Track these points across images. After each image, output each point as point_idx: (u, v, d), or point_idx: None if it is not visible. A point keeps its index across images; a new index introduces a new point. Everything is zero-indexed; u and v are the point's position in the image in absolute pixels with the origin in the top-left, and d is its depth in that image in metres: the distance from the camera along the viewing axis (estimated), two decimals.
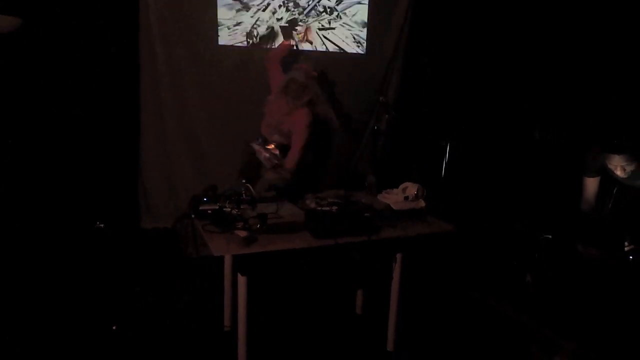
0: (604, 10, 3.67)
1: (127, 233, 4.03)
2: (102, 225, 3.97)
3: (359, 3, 4.51)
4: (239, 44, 4.22)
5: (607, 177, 2.82)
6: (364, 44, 4.60)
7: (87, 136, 3.92)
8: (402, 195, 2.74)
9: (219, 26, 4.12)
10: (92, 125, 3.92)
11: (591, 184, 2.89)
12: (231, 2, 4.11)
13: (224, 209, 2.50)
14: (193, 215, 2.55)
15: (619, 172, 2.67)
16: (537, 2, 4.11)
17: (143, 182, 4.17)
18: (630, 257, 2.29)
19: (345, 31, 4.53)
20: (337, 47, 4.53)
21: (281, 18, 4.32)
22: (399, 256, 2.68)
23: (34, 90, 3.74)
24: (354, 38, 4.57)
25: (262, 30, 4.27)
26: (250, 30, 4.23)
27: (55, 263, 3.53)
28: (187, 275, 3.48)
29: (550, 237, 2.60)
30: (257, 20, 4.23)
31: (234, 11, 4.14)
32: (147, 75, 4.02)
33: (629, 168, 2.63)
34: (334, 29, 4.49)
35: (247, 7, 4.18)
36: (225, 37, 4.16)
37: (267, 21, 4.28)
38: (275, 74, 3.66)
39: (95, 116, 3.92)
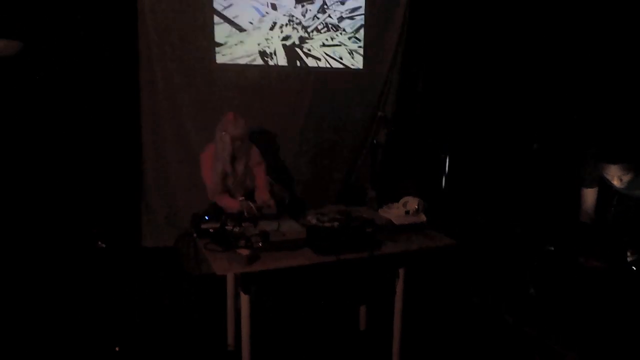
0: (598, 25, 3.71)
1: (129, 252, 4.03)
2: (103, 244, 3.98)
3: (351, 18, 4.56)
4: (237, 62, 4.26)
5: (604, 188, 2.83)
6: (362, 59, 4.65)
7: (89, 157, 3.95)
8: (403, 210, 2.75)
9: (218, 46, 4.17)
10: (94, 146, 3.95)
11: (589, 195, 2.90)
12: (230, 21, 4.18)
13: (226, 227, 2.50)
14: (195, 234, 2.56)
15: (616, 182, 2.68)
16: (531, 16, 4.16)
17: (145, 201, 4.19)
18: (634, 268, 2.30)
19: (344, 47, 4.59)
20: (337, 63, 4.58)
21: (288, 36, 4.36)
22: (401, 271, 2.67)
23: (38, 111, 3.77)
24: (352, 53, 4.63)
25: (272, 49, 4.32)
26: (263, 50, 4.28)
27: (57, 283, 3.51)
28: (189, 293, 3.46)
29: (552, 248, 2.60)
30: (267, 40, 4.27)
31: (233, 30, 4.20)
32: (147, 96, 4.07)
33: (626, 178, 2.64)
34: (337, 45, 4.53)
35: (251, 27, 4.24)
36: (223, 57, 4.21)
37: (271, 39, 4.33)
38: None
39: (98, 137, 3.96)
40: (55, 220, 3.87)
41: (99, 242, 3.99)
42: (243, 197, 2.92)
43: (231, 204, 2.92)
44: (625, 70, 3.57)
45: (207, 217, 2.73)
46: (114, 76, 3.94)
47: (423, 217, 2.73)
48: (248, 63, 4.30)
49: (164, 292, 3.52)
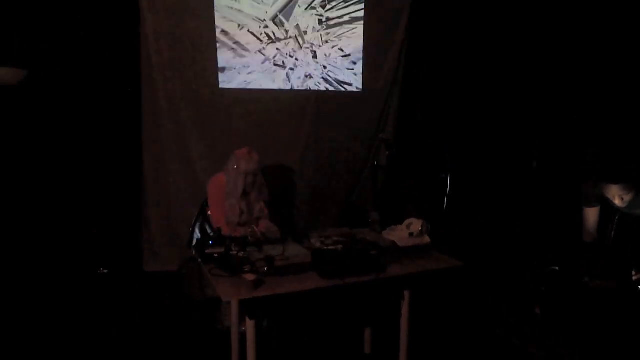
0: (595, 37, 3.77)
1: (131, 277, 4.00)
2: (105, 270, 3.96)
3: (350, 39, 4.64)
4: (239, 87, 4.32)
5: (606, 207, 2.85)
6: (361, 81, 4.71)
7: (91, 181, 3.96)
8: (406, 232, 2.74)
9: (221, 71, 4.23)
10: (95, 170, 3.97)
11: (591, 215, 2.91)
12: (233, 47, 4.24)
13: (230, 252, 2.50)
14: (199, 259, 2.55)
15: (617, 202, 2.70)
16: (528, 32, 4.24)
17: (147, 225, 4.18)
18: (639, 287, 2.30)
19: (344, 69, 4.65)
20: (337, 85, 4.64)
21: (287, 59, 4.43)
22: (406, 293, 2.66)
23: (42, 134, 3.79)
24: (352, 75, 4.69)
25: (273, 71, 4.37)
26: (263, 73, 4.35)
27: (58, 311, 3.48)
28: (193, 318, 3.43)
29: (557, 268, 2.60)
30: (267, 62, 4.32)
31: (235, 55, 4.27)
32: (149, 122, 4.10)
33: (627, 197, 2.66)
34: (337, 67, 4.59)
35: (252, 52, 4.31)
36: (226, 81, 4.26)
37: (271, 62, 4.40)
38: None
39: (99, 161, 3.98)
40: (56, 246, 3.86)
41: (101, 269, 3.98)
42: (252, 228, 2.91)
43: (237, 233, 2.92)
44: (623, 89, 3.62)
45: (211, 242, 2.74)
46: (117, 98, 3.99)
47: (427, 239, 2.73)
48: (249, 88, 4.35)
49: (167, 317, 3.48)
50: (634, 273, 2.38)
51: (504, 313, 3.29)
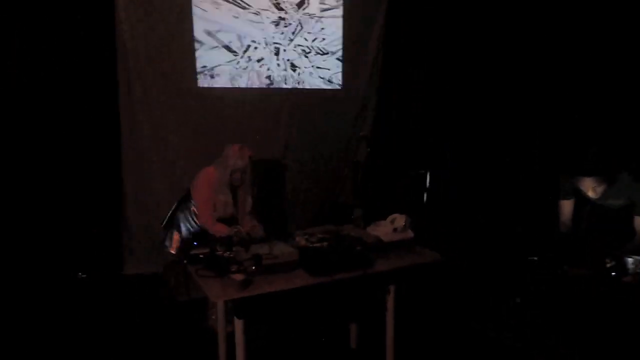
0: (570, 42, 3.89)
1: (111, 281, 3.93)
2: (84, 275, 3.88)
3: (328, 38, 4.66)
4: (217, 86, 4.29)
5: (580, 199, 2.96)
6: (341, 80, 4.74)
7: (67, 183, 3.86)
8: (390, 227, 2.79)
9: (199, 71, 4.18)
10: (72, 171, 3.87)
11: (566, 206, 3.03)
12: (212, 45, 4.21)
13: (216, 253, 2.49)
14: (185, 261, 2.53)
15: (590, 194, 2.81)
16: (501, 36, 4.34)
17: (126, 227, 4.11)
18: (613, 274, 2.40)
19: (322, 68, 4.67)
20: (316, 83, 4.66)
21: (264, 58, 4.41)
22: (392, 288, 2.71)
23: (14, 134, 3.68)
24: (330, 74, 4.71)
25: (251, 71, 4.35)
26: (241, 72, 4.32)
27: (36, 319, 3.38)
28: (177, 320, 3.40)
29: (535, 259, 2.69)
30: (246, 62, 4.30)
31: (214, 54, 4.23)
32: (127, 119, 4.03)
33: (600, 189, 2.78)
34: (316, 66, 4.60)
35: (232, 50, 4.28)
36: (204, 80, 4.22)
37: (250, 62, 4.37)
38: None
39: (76, 163, 3.88)
40: (31, 251, 3.76)
41: (79, 273, 3.89)
42: (237, 228, 2.91)
43: (222, 230, 2.91)
44: (598, 83, 3.74)
45: (195, 243, 2.72)
46: (94, 98, 3.89)
47: (411, 234, 2.78)
48: (228, 86, 4.32)
49: (150, 319, 3.44)
50: (607, 261, 2.48)
51: (486, 304, 3.38)
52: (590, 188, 2.79)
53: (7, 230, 3.65)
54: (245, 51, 4.36)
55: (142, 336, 3.23)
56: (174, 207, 3.24)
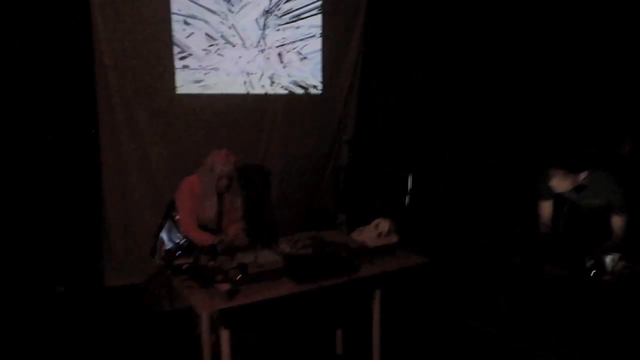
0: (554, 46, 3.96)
1: (91, 293, 3.84)
2: (62, 288, 3.78)
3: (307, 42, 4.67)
4: (197, 92, 4.25)
5: (559, 199, 3.02)
6: (321, 84, 4.75)
7: (45, 191, 3.76)
8: (375, 232, 2.79)
9: (178, 75, 4.14)
10: (50, 180, 3.78)
11: (545, 207, 3.09)
12: (191, 51, 4.17)
13: (200, 263, 2.46)
14: (169, 271, 2.49)
15: (557, 187, 2.86)
16: (481, 38, 4.40)
17: (107, 238, 4.03)
18: (593, 272, 2.45)
19: (303, 72, 4.67)
20: (297, 88, 4.65)
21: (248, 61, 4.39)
22: (377, 293, 2.72)
23: None
24: (311, 79, 4.72)
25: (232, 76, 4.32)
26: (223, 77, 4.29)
27: (13, 335, 3.28)
28: (160, 331, 3.34)
29: (518, 259, 2.74)
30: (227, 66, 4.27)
31: (193, 60, 4.20)
32: (106, 128, 3.96)
33: (565, 183, 2.83)
34: (297, 70, 4.59)
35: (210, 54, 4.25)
36: (184, 86, 4.18)
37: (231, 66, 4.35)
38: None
39: (54, 171, 3.79)
40: (5, 263, 3.64)
41: (57, 286, 3.79)
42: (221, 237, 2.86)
43: (206, 239, 2.86)
44: (572, 83, 3.82)
45: (179, 252, 2.68)
46: (70, 110, 3.81)
47: (395, 238, 2.79)
48: (208, 93, 4.29)
49: (134, 332, 3.37)
50: (587, 260, 2.54)
51: (472, 304, 3.41)
52: (558, 183, 2.83)
53: None
54: (223, 55, 4.33)
55: (126, 348, 3.17)
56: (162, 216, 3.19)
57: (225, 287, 2.23)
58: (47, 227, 3.78)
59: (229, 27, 4.31)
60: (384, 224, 2.79)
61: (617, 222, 2.82)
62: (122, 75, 3.91)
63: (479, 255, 3.55)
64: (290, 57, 4.59)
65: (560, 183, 2.84)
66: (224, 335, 2.31)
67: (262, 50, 4.48)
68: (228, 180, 2.96)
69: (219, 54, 4.30)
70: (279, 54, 4.55)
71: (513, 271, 2.75)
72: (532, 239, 2.97)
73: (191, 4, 4.13)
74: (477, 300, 3.31)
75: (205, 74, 4.27)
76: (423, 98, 4.78)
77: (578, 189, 2.83)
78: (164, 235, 3.11)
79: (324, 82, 4.74)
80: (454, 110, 4.59)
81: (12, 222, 3.67)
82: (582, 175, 2.79)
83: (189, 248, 2.81)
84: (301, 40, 4.61)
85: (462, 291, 3.59)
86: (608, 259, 2.50)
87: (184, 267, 2.46)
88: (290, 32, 4.56)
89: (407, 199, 3.97)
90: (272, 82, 4.56)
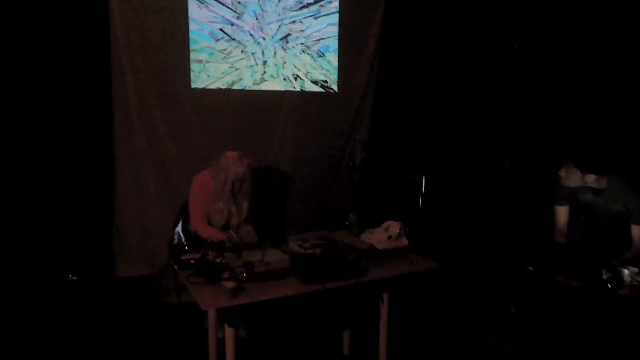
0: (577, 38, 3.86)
1: (102, 284, 3.88)
2: (74, 277, 3.82)
3: (325, 41, 4.63)
4: (212, 87, 4.25)
5: (576, 205, 2.92)
6: (337, 83, 4.70)
7: (58, 181, 3.80)
8: (385, 235, 2.76)
9: (193, 70, 4.15)
10: (63, 170, 3.82)
11: (562, 213, 2.98)
12: (207, 46, 4.17)
13: (208, 258, 2.45)
14: (176, 267, 2.49)
15: (566, 180, 2.75)
16: (501, 39, 4.31)
17: (118, 230, 4.06)
18: (609, 286, 2.37)
19: (319, 70, 4.63)
20: (313, 86, 4.62)
21: (263, 60, 4.38)
22: (385, 296, 2.68)
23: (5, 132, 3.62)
24: (328, 77, 4.68)
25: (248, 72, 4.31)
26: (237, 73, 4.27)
27: (25, 321, 3.33)
28: (169, 325, 3.35)
29: (532, 269, 2.66)
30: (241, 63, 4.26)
31: (208, 55, 4.19)
32: (121, 121, 3.98)
33: (575, 178, 2.73)
34: (313, 68, 4.56)
35: (226, 49, 4.24)
36: (198, 81, 4.19)
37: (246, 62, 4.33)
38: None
39: (68, 161, 3.83)
40: (20, 251, 3.70)
41: (70, 275, 3.84)
42: (230, 233, 2.85)
43: (216, 235, 2.86)
44: (597, 90, 3.72)
45: (187, 248, 2.68)
46: (86, 102, 3.84)
47: (405, 242, 2.75)
48: (223, 87, 4.28)
49: (142, 324, 3.39)
50: (604, 272, 2.45)
51: (481, 313, 3.35)
52: (567, 172, 2.73)
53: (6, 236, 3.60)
54: (242, 51, 4.32)
55: (134, 339, 3.19)
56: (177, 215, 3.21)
57: (231, 284, 2.21)
58: (61, 217, 3.83)
59: (245, 23, 4.29)
60: (394, 227, 2.75)
61: (637, 232, 2.71)
62: (137, 68, 3.93)
63: (491, 262, 3.47)
64: (307, 54, 4.56)
65: (569, 176, 2.73)
66: (229, 333, 2.29)
67: (279, 47, 4.45)
68: (240, 182, 2.95)
69: (235, 50, 4.29)
70: (299, 51, 4.52)
71: (526, 280, 2.67)
72: (546, 247, 2.89)
73: None
74: (487, 309, 3.24)
75: (222, 72, 4.27)
76: (441, 98, 4.70)
77: (596, 192, 2.73)
78: (180, 229, 3.14)
79: (339, 81, 4.69)
80: (471, 111, 4.50)
81: (28, 212, 3.73)
82: (593, 177, 2.69)
83: (198, 244, 2.81)
84: (318, 38, 4.57)
85: (471, 299, 3.52)
86: (626, 272, 2.41)
87: (191, 263, 2.46)
88: (307, 30, 4.52)
89: (420, 202, 3.91)
90: (287, 78, 4.53)
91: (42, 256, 3.78)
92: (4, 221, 3.65)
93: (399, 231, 2.73)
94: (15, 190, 3.69)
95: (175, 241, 3.13)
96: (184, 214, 3.13)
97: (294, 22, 4.46)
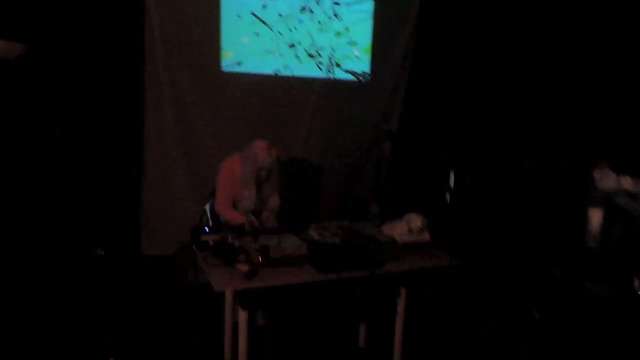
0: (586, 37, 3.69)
1: (128, 260, 3.98)
2: (102, 251, 3.94)
3: (359, 28, 4.55)
4: (242, 72, 4.25)
5: (611, 209, 2.78)
6: (368, 70, 4.62)
7: (88, 162, 3.92)
8: (406, 228, 2.69)
9: (224, 54, 4.16)
10: (95, 152, 3.93)
11: (595, 216, 2.85)
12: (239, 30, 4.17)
13: (226, 240, 2.46)
14: (194, 246, 2.52)
15: (600, 181, 2.62)
16: (528, 35, 4.15)
17: (145, 208, 4.15)
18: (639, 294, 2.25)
19: (353, 58, 4.56)
20: (343, 73, 4.56)
21: (292, 45, 4.36)
22: (403, 291, 2.63)
23: (39, 119, 3.75)
24: (360, 64, 4.60)
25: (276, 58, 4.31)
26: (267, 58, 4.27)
27: (54, 289, 3.46)
28: (188, 303, 3.41)
29: (558, 272, 2.55)
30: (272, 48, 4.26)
31: (239, 39, 4.20)
32: (151, 102, 4.05)
33: (609, 180, 2.59)
34: (345, 56, 4.50)
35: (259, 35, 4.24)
36: (229, 65, 4.20)
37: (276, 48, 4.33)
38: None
39: (99, 143, 3.93)
40: (53, 225, 3.84)
41: (98, 250, 3.96)
42: (250, 216, 2.87)
43: (236, 218, 2.89)
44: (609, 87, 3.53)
45: (207, 229, 2.70)
46: (118, 78, 3.92)
47: (427, 236, 2.68)
48: (253, 72, 4.28)
49: (162, 301, 3.47)
50: (635, 280, 2.33)
51: (502, 314, 3.25)
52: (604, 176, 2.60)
53: (28, 205, 3.73)
54: (273, 38, 4.30)
55: (151, 316, 3.27)
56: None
57: (245, 268, 2.22)
58: (92, 194, 3.94)
59: (277, 9, 4.26)
60: (415, 220, 2.68)
61: None
62: (170, 49, 3.97)
63: (516, 263, 3.35)
64: (339, 42, 4.49)
65: (603, 178, 2.59)
66: (242, 316, 2.31)
67: (311, 34, 4.40)
68: (267, 172, 2.97)
69: (266, 36, 4.27)
70: (331, 37, 4.45)
71: (551, 284, 2.56)
72: (576, 251, 2.76)
73: None
74: (509, 310, 3.14)
75: (255, 56, 4.26)
76: (473, 94, 4.54)
77: (632, 196, 2.58)
78: (207, 208, 3.19)
79: (371, 70, 4.61)
80: (506, 104, 4.34)
81: (62, 187, 3.86)
82: (629, 179, 2.54)
83: (218, 226, 2.83)
84: (353, 26, 4.50)
85: (493, 298, 3.42)
86: None
87: (209, 244, 2.48)
88: (341, 18, 4.45)
89: (447, 197, 3.80)
90: (319, 65, 4.47)
91: (72, 231, 3.92)
92: (42, 197, 3.79)
93: (420, 225, 2.66)
94: (46, 168, 3.81)
95: (203, 219, 3.18)
96: (213, 194, 3.18)
97: (331, 10, 4.40)
